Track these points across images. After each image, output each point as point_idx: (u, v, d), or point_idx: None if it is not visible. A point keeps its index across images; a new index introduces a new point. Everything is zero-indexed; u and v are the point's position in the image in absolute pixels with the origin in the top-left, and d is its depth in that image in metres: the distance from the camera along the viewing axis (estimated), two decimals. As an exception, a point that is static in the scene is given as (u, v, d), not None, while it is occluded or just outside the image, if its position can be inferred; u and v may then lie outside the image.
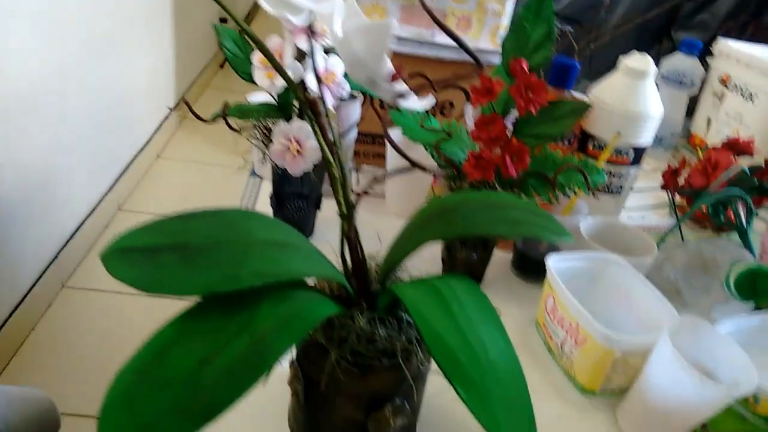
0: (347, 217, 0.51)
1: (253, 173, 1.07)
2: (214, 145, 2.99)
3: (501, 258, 0.96)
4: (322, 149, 0.48)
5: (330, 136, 0.49)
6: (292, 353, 0.58)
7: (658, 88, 0.93)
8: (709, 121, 1.44)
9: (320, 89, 0.78)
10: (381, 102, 1.05)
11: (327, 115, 0.49)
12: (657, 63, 0.96)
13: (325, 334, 0.53)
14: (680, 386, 0.60)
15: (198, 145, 3.00)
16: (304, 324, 0.44)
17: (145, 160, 2.73)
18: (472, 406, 0.43)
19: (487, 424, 0.42)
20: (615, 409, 0.70)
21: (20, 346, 1.76)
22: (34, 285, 1.86)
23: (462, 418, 0.66)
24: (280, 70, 0.47)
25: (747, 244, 0.87)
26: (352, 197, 0.51)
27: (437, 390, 0.62)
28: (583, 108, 0.76)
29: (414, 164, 0.49)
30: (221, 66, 4.02)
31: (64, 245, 2.05)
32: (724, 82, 1.41)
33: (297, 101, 0.82)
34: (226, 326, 0.43)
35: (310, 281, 0.56)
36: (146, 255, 0.44)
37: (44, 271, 1.92)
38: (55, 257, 1.99)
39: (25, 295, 1.81)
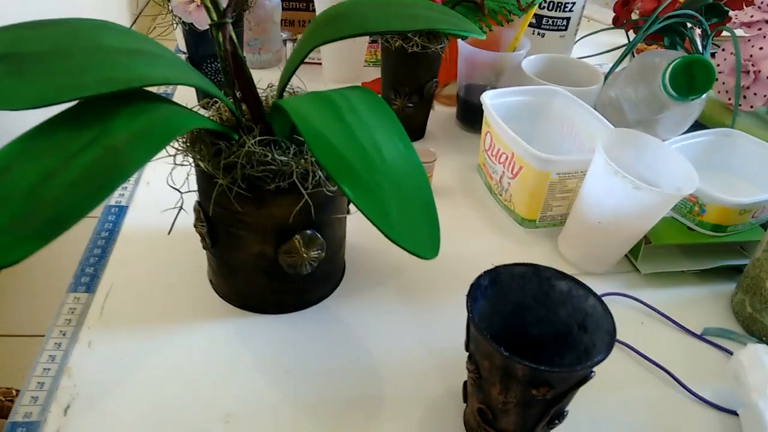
0: (219, 25, 0.45)
1: (177, 50, 1.00)
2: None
3: (446, 113, 0.91)
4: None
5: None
6: (196, 197, 0.54)
7: None
8: (674, -35, 1.34)
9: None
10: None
11: None
12: None
13: (215, 165, 0.48)
14: (616, 196, 0.56)
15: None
16: (164, 135, 0.40)
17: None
18: (360, 203, 0.39)
19: (376, 220, 0.38)
20: (556, 238, 0.67)
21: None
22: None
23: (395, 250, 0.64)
24: None
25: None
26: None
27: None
28: None
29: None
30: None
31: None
32: None
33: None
34: (76, 140, 0.39)
35: (204, 112, 0.51)
36: (-29, 68, 0.38)
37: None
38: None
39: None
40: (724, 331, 0.59)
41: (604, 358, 0.39)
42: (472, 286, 0.43)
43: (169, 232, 0.55)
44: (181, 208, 0.54)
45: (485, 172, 0.74)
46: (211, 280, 0.58)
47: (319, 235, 0.52)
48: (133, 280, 0.57)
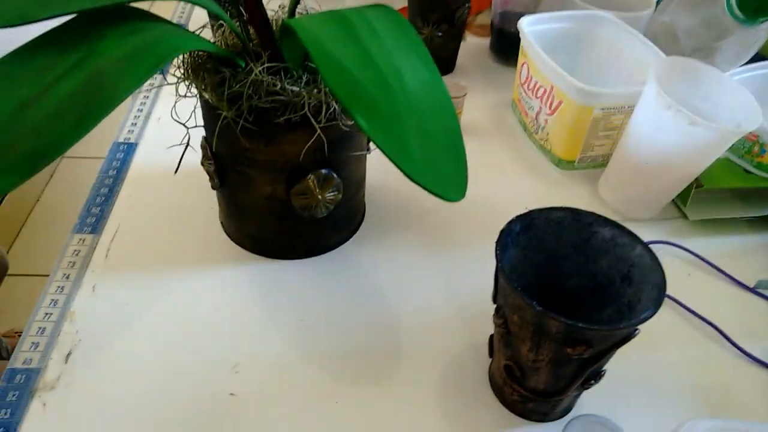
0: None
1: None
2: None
3: (478, 44, 0.84)
4: None
5: None
6: (203, 134, 0.50)
7: None
8: None
9: None
10: None
11: None
12: None
13: (219, 95, 0.43)
14: (668, 132, 0.50)
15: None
16: (155, 58, 0.35)
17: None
18: (376, 136, 0.34)
19: (395, 156, 0.34)
20: (596, 181, 0.61)
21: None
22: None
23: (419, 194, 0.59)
24: None
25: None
26: None
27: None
28: None
29: None
30: None
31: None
32: None
33: None
34: (58, 64, 0.35)
35: (208, 36, 0.47)
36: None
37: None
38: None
39: None
40: (781, 285, 0.53)
41: (651, 315, 0.35)
42: (502, 232, 0.39)
43: (175, 171, 0.51)
44: (187, 144, 0.50)
45: (520, 108, 0.68)
46: (222, 222, 0.55)
47: (335, 174, 0.48)
48: (141, 222, 0.54)
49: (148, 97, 0.68)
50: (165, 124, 0.65)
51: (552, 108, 0.60)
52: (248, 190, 0.48)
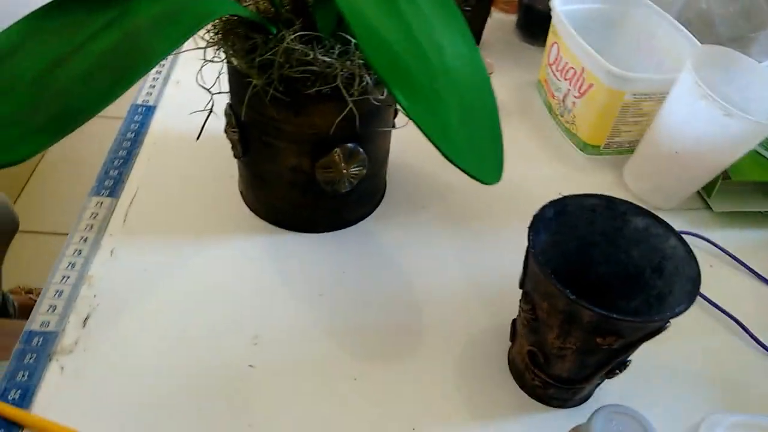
0: None
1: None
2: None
3: (504, 21, 0.82)
4: None
5: None
6: (228, 100, 0.49)
7: None
8: None
9: None
10: None
11: None
12: None
13: (249, 62, 0.42)
14: (701, 122, 0.49)
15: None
16: (191, 21, 0.34)
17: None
18: (415, 114, 0.33)
19: (433, 135, 0.33)
20: (622, 167, 0.60)
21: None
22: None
23: (439, 170, 0.58)
24: None
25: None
26: None
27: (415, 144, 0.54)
28: None
29: None
30: None
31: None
32: None
33: None
34: (91, 21, 0.33)
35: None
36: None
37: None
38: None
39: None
40: (803, 282, 0.53)
41: (686, 309, 0.34)
42: (535, 217, 0.38)
43: (197, 138, 0.50)
44: (211, 110, 0.49)
45: (546, 89, 0.67)
46: (241, 192, 0.54)
47: (361, 149, 0.47)
48: (160, 187, 0.53)
49: (167, 59, 0.67)
50: (184, 88, 0.64)
51: (581, 91, 0.59)
52: (273, 161, 0.47)
